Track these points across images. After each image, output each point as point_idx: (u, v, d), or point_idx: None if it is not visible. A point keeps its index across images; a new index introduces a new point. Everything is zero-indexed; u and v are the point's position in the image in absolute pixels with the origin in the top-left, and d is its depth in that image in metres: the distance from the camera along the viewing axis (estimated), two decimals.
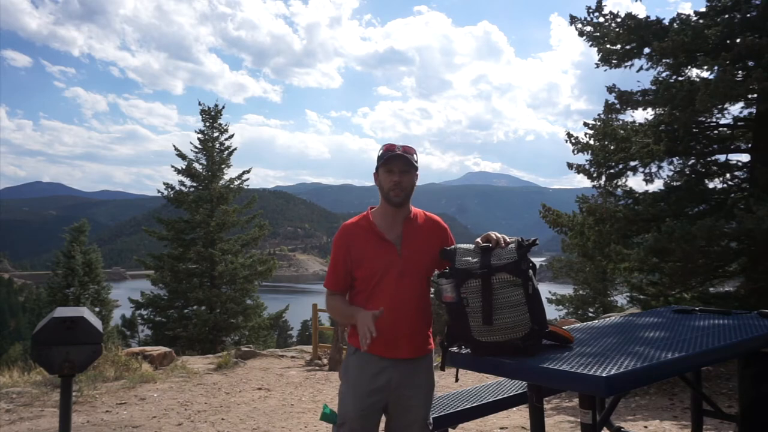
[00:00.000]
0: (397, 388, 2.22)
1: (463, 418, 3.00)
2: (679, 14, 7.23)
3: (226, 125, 20.90)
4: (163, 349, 9.03)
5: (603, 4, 7.48)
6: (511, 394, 3.21)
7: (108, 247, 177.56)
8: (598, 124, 7.93)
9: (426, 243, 2.30)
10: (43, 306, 23.06)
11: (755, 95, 6.49)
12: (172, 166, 20.05)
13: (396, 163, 2.22)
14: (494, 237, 2.05)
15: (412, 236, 2.29)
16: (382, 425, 2.31)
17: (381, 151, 2.27)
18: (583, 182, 8.36)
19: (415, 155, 2.26)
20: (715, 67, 6.18)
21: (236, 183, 20.49)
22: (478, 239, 2.09)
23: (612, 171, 7.87)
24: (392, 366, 2.22)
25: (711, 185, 7.43)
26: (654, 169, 7.60)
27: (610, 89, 7.69)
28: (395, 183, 2.22)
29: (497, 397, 3.16)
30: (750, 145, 7.17)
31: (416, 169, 2.27)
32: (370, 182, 2.39)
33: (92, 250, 21.28)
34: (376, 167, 2.29)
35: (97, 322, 3.24)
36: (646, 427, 4.55)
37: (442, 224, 2.41)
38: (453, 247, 2.10)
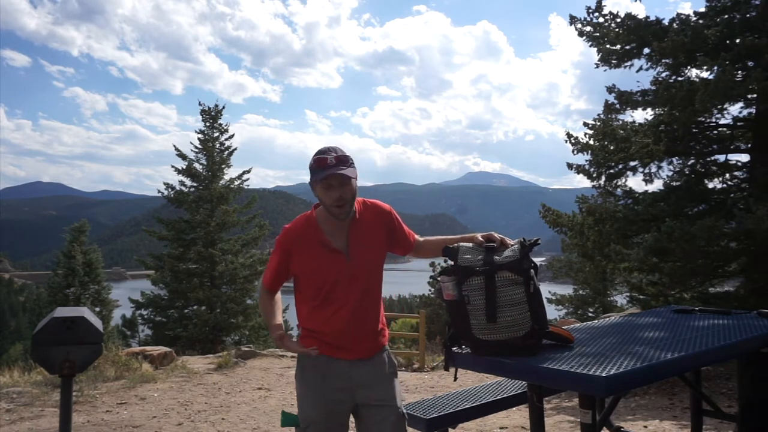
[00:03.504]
0: (359, 388, 2.15)
1: (463, 418, 3.00)
2: (678, 14, 7.24)
3: (226, 125, 20.92)
4: (163, 349, 9.01)
5: (603, 4, 7.48)
6: (511, 394, 3.21)
7: (108, 247, 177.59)
8: (598, 124, 7.93)
9: (373, 237, 2.22)
10: (43, 306, 23.08)
11: (755, 95, 6.50)
12: (172, 166, 20.09)
13: (334, 179, 2.06)
14: (497, 237, 2.06)
15: (359, 238, 2.18)
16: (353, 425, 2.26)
17: (312, 163, 2.08)
18: (583, 182, 8.35)
19: (350, 162, 2.09)
20: (715, 67, 6.18)
21: (236, 183, 20.51)
22: (480, 237, 2.10)
23: (612, 171, 7.86)
24: (350, 366, 2.15)
25: (711, 185, 7.44)
26: (654, 169, 7.61)
27: (610, 89, 7.70)
28: (337, 199, 2.06)
29: (497, 397, 3.16)
30: (750, 145, 7.17)
31: (356, 176, 2.11)
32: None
33: (92, 250, 21.31)
34: (311, 180, 2.11)
35: (97, 322, 3.24)
36: (645, 427, 4.55)
37: (385, 208, 2.29)
38: (456, 245, 2.09)
